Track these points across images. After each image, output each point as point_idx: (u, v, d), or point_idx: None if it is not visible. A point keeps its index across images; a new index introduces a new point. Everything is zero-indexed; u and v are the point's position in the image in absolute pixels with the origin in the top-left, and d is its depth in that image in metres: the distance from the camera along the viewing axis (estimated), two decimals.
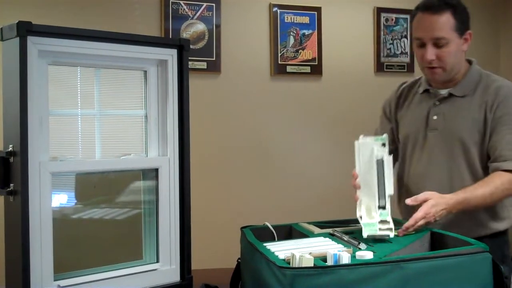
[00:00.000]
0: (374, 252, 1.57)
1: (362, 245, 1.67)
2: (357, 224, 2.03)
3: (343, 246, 1.68)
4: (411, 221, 1.86)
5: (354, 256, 1.54)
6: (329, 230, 1.91)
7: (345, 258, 1.49)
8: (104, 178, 1.95)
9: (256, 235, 1.84)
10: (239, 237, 1.92)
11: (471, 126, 2.13)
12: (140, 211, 1.98)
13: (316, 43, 4.40)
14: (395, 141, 2.39)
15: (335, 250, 1.53)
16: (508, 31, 5.06)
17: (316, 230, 1.95)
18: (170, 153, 1.93)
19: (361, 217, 1.92)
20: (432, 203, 1.91)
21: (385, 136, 2.00)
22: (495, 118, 2.10)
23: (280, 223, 2.06)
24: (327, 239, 1.80)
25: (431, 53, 2.11)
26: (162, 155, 1.95)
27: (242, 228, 1.95)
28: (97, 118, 1.92)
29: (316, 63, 4.40)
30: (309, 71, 4.38)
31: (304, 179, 4.40)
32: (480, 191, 2.02)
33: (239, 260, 1.93)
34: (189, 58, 1.99)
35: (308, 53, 4.37)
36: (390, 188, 1.92)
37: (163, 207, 1.92)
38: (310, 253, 1.52)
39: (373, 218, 1.86)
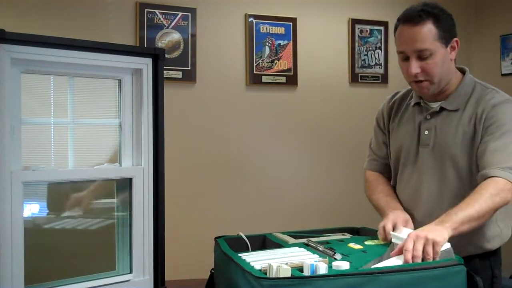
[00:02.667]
0: (350, 262, 1.57)
1: (338, 255, 1.66)
2: (330, 234, 2.04)
3: (318, 256, 1.68)
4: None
5: (331, 267, 1.54)
6: (304, 240, 1.91)
7: (322, 269, 1.49)
8: (77, 187, 1.93)
9: (230, 245, 1.83)
10: (213, 247, 1.91)
11: (461, 141, 1.99)
12: (114, 221, 1.97)
13: (292, 53, 4.41)
14: (388, 155, 2.25)
15: (311, 261, 1.53)
16: (479, 43, 5.13)
17: (290, 240, 1.95)
18: (144, 163, 1.92)
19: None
20: (413, 237, 1.66)
21: None
22: (483, 128, 1.96)
23: (254, 233, 2.05)
24: (302, 249, 1.80)
25: (415, 66, 1.97)
26: (136, 164, 1.94)
27: (216, 238, 1.94)
28: (71, 127, 1.90)
29: (292, 74, 4.41)
30: (285, 81, 4.39)
31: (279, 189, 4.40)
32: (470, 207, 1.79)
33: (212, 271, 1.92)
34: (164, 67, 1.98)
35: (284, 64, 4.39)
36: None
37: (137, 217, 1.90)
38: (287, 263, 1.52)
39: None
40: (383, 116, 2.26)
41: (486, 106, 1.98)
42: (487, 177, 1.86)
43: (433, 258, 1.61)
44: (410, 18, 1.96)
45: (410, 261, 1.59)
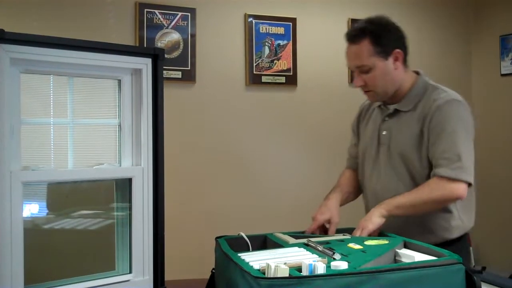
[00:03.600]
0: (348, 262, 1.58)
1: (337, 255, 1.67)
2: (331, 234, 2.04)
3: (317, 256, 1.68)
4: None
5: (329, 266, 1.54)
6: (304, 240, 1.91)
7: (320, 268, 1.49)
8: (77, 188, 1.93)
9: (231, 245, 1.83)
10: (213, 247, 1.91)
11: (409, 140, 2.19)
12: (113, 221, 1.97)
13: (291, 53, 4.42)
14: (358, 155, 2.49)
15: (310, 260, 1.53)
16: (479, 43, 5.13)
17: (291, 240, 1.95)
18: (144, 163, 1.92)
19: None
20: (363, 219, 2.07)
21: None
22: (429, 129, 2.14)
23: (254, 233, 2.05)
24: (302, 249, 1.80)
25: (358, 80, 2.22)
26: (135, 164, 1.94)
27: (216, 238, 1.94)
28: (70, 127, 1.90)
29: (291, 74, 4.42)
30: (284, 81, 4.40)
31: (279, 189, 4.40)
32: (413, 196, 2.11)
33: (213, 271, 1.92)
34: (164, 67, 1.98)
35: (283, 64, 4.39)
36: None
37: (137, 217, 1.90)
38: (285, 263, 1.52)
39: None
40: (355, 121, 2.53)
41: (431, 106, 2.15)
42: (434, 176, 2.10)
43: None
44: (350, 37, 2.21)
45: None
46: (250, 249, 1.95)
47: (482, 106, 4.98)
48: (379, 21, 2.22)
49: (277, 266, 1.47)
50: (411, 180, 2.20)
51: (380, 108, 2.34)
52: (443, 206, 2.17)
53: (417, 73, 2.31)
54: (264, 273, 1.51)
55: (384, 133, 2.28)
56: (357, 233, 2.03)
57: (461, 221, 2.24)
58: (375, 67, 2.17)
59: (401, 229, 2.09)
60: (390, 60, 2.19)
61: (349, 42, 2.21)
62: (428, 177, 2.15)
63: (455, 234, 2.24)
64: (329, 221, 2.18)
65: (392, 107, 2.27)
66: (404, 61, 2.24)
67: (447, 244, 2.15)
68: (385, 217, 2.08)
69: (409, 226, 2.15)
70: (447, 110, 2.13)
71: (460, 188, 2.10)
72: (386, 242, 1.89)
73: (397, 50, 2.20)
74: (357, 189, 2.47)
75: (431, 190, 2.10)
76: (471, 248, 4.88)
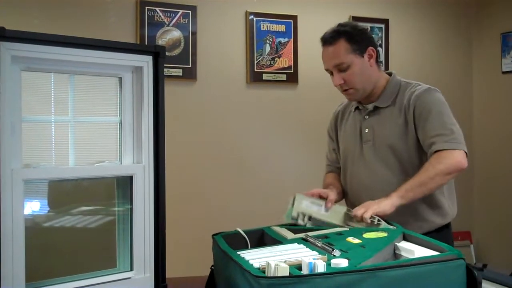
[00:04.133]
0: (348, 260, 1.58)
1: (336, 252, 1.67)
2: (329, 228, 2.05)
3: (317, 253, 1.68)
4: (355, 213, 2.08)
5: (329, 264, 1.54)
6: (302, 235, 1.91)
7: (320, 267, 1.49)
8: (78, 185, 1.93)
9: (228, 242, 1.84)
10: (210, 244, 1.92)
11: (395, 132, 2.30)
12: (114, 219, 1.97)
13: (292, 51, 4.42)
14: (339, 160, 2.58)
15: (310, 258, 1.53)
16: (480, 41, 5.13)
17: (289, 234, 1.95)
18: (145, 160, 1.92)
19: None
20: (369, 201, 2.11)
21: None
22: (415, 116, 2.26)
23: (252, 228, 2.06)
24: (301, 245, 1.80)
25: (337, 78, 2.33)
26: (136, 162, 1.94)
27: (213, 235, 1.95)
28: (71, 125, 1.90)
29: (292, 71, 4.42)
30: (285, 79, 4.40)
31: (279, 186, 4.40)
32: (422, 175, 2.15)
33: (212, 268, 1.92)
34: (165, 65, 1.98)
35: (284, 61, 4.39)
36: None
37: (138, 214, 1.91)
38: (285, 262, 1.52)
39: None
40: (331, 127, 2.64)
41: (411, 97, 2.28)
42: (432, 152, 2.19)
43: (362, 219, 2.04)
44: (325, 40, 2.36)
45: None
46: (249, 245, 1.95)
47: (483, 103, 4.99)
48: (350, 24, 2.42)
49: (277, 264, 1.48)
50: (400, 168, 2.30)
51: (358, 109, 2.44)
52: (450, 179, 2.23)
53: (389, 74, 2.44)
54: (264, 272, 1.51)
55: (366, 130, 2.38)
56: (358, 212, 2.06)
57: (449, 207, 2.36)
58: (352, 64, 2.30)
59: (399, 222, 2.11)
60: (365, 57, 2.33)
61: (325, 44, 2.36)
62: (416, 164, 2.26)
63: (447, 219, 2.35)
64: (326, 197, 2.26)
65: (371, 105, 2.38)
66: (377, 60, 2.39)
67: (438, 230, 2.31)
68: (396, 206, 2.10)
69: (406, 219, 2.19)
70: (427, 97, 2.27)
71: (460, 156, 2.17)
72: (385, 234, 1.89)
73: (371, 47, 2.34)
74: (342, 190, 2.52)
75: (434, 165, 2.15)
76: (472, 246, 4.91)
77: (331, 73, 2.37)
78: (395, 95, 2.36)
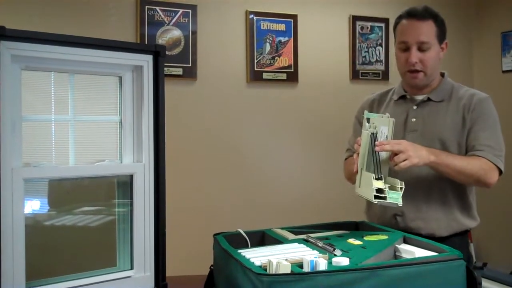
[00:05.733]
0: (349, 258, 1.58)
1: (337, 251, 1.67)
2: (329, 231, 2.05)
3: (318, 252, 1.68)
4: (386, 143, 1.99)
5: (331, 263, 1.54)
6: (303, 236, 1.91)
7: (322, 265, 1.50)
8: (78, 184, 1.93)
9: (230, 242, 1.84)
10: (211, 243, 1.92)
11: (450, 127, 2.28)
12: (114, 218, 1.97)
13: (292, 50, 4.42)
14: None
15: (311, 257, 1.53)
16: (480, 40, 5.13)
17: (290, 236, 1.95)
18: (145, 159, 1.92)
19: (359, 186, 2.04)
20: (409, 142, 2.06)
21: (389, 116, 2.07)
22: (472, 118, 2.27)
23: (253, 229, 2.06)
24: (302, 245, 1.80)
25: (415, 55, 2.27)
26: (137, 161, 1.94)
27: (214, 235, 1.95)
28: (71, 124, 1.90)
29: (292, 70, 4.42)
30: (285, 78, 4.40)
31: (280, 185, 4.40)
32: (459, 157, 2.20)
33: (212, 267, 1.92)
34: (165, 64, 1.98)
35: (284, 60, 4.39)
36: (384, 161, 2.01)
37: (138, 213, 1.91)
38: (286, 260, 1.52)
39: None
40: (363, 113, 2.44)
41: (472, 98, 2.30)
42: (479, 156, 2.21)
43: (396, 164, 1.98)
44: (415, 14, 2.29)
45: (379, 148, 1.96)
46: (249, 245, 1.95)
47: None
48: (435, 10, 2.36)
49: (279, 262, 1.48)
50: None
51: (404, 98, 2.42)
52: (476, 181, 2.23)
53: (441, 74, 2.44)
54: (265, 270, 1.51)
55: (413, 120, 2.34)
56: (398, 159, 1.98)
57: (476, 211, 2.38)
58: (432, 48, 2.29)
59: (431, 217, 2.25)
60: (440, 47, 2.34)
61: (414, 18, 2.29)
62: None
63: (475, 223, 2.36)
64: None
65: (423, 96, 2.37)
66: None
67: (463, 234, 2.33)
68: (427, 164, 2.10)
69: (437, 216, 2.25)
70: (487, 105, 2.31)
71: (495, 175, 2.24)
72: (386, 237, 1.89)
73: (446, 41, 2.38)
74: None
75: (477, 164, 2.18)
76: (472, 245, 4.90)
77: (405, 49, 2.31)
78: (449, 92, 2.36)
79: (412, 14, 2.30)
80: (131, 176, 1.91)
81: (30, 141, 1.75)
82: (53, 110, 1.88)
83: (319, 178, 4.48)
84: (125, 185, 1.94)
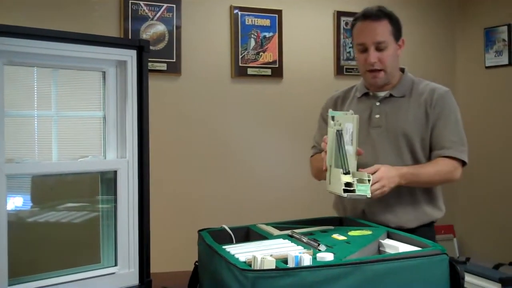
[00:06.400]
0: (334, 254, 1.59)
1: (322, 247, 1.68)
2: (313, 226, 2.05)
3: (303, 247, 1.69)
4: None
5: (315, 258, 1.55)
6: (288, 232, 1.92)
7: (307, 260, 1.50)
8: (61, 180, 1.92)
9: (214, 238, 1.84)
10: (197, 239, 1.92)
11: (413, 122, 2.36)
12: (98, 214, 1.96)
13: (277, 46, 4.42)
14: None
15: (296, 252, 1.54)
16: (463, 36, 5.16)
17: (274, 231, 1.95)
18: (129, 155, 1.91)
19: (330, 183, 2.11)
20: (384, 170, 2.14)
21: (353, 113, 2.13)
22: (434, 114, 2.36)
23: (238, 225, 2.06)
24: (287, 240, 1.80)
25: (374, 55, 2.35)
26: (120, 157, 1.93)
27: (199, 231, 1.95)
28: (54, 120, 1.89)
29: (277, 66, 4.42)
30: (270, 73, 4.40)
31: (265, 181, 4.41)
32: (427, 168, 2.31)
33: (196, 264, 1.92)
34: (149, 59, 1.97)
35: (269, 56, 4.39)
36: (352, 156, 2.07)
37: (122, 209, 1.90)
38: (271, 255, 1.52)
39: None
40: (327, 111, 2.50)
41: (433, 94, 2.39)
42: (444, 156, 2.32)
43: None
44: (370, 15, 2.38)
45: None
46: (234, 241, 1.95)
47: (466, 98, 5.01)
48: (388, 9, 2.43)
49: (263, 258, 1.48)
50: (411, 157, 2.37)
51: (367, 95, 2.49)
52: (443, 183, 2.40)
53: (401, 70, 2.51)
54: (250, 266, 1.51)
55: (377, 116, 2.41)
56: (375, 187, 2.07)
57: (442, 202, 2.47)
58: (389, 46, 2.36)
59: (400, 212, 2.33)
60: (397, 45, 2.41)
61: (369, 19, 2.37)
62: (425, 155, 2.37)
63: (441, 214, 2.44)
64: None
65: (385, 93, 2.44)
66: None
67: (429, 225, 2.41)
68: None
69: (406, 210, 2.35)
70: (448, 100, 2.40)
71: (459, 171, 2.36)
72: (370, 232, 1.91)
73: (402, 38, 2.44)
74: None
75: (441, 166, 2.31)
76: (455, 240, 4.95)
77: (363, 51, 2.38)
78: (410, 87, 2.44)
79: (367, 16, 2.38)
80: (115, 172, 1.90)
81: (12, 137, 1.74)
82: (36, 105, 1.87)
83: (303, 174, 4.47)
84: (109, 181, 1.93)
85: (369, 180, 2.02)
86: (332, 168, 2.09)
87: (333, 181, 2.08)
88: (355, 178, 2.01)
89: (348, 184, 2.00)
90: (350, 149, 2.07)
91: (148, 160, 1.94)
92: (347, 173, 2.02)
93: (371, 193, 2.04)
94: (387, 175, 2.13)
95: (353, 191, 1.99)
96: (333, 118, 2.13)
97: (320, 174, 2.43)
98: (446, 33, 5.13)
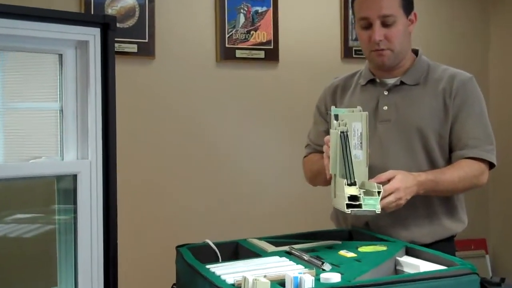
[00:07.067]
0: (341, 274, 1.59)
1: (327, 266, 1.68)
2: (316, 241, 2.06)
3: (303, 267, 1.69)
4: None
5: (319, 279, 1.55)
6: (285, 248, 1.92)
7: (308, 282, 1.50)
8: (9, 186, 1.92)
9: (196, 255, 1.84)
10: (174, 257, 1.92)
11: (429, 115, 2.35)
12: (54, 227, 1.96)
13: (272, 23, 4.41)
14: None
15: (295, 272, 1.54)
16: (497, 5, 5.18)
17: (269, 247, 1.96)
18: (91, 156, 1.92)
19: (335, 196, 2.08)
20: (401, 178, 2.10)
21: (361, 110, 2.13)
22: (455, 105, 2.34)
23: (224, 240, 2.06)
24: (284, 258, 1.81)
25: (379, 32, 2.32)
26: (81, 158, 1.93)
27: (177, 247, 1.95)
28: (1, 113, 1.89)
29: (272, 47, 4.42)
30: (263, 56, 4.40)
31: (257, 186, 4.41)
32: (449, 173, 2.27)
33: (174, 286, 1.93)
34: (116, 39, 1.97)
35: (262, 35, 4.39)
36: (361, 162, 2.07)
37: (83, 221, 1.90)
38: (265, 276, 1.53)
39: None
40: (325, 103, 2.61)
41: (453, 81, 2.36)
42: (467, 157, 2.30)
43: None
44: None
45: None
46: (220, 260, 1.95)
47: (499, 89, 5.02)
48: None
49: (256, 279, 1.48)
50: (425, 156, 2.36)
51: (373, 82, 2.47)
52: (467, 190, 2.36)
53: (415, 52, 2.49)
54: None
55: (385, 108, 2.40)
56: (389, 199, 2.05)
57: (463, 213, 2.46)
58: (398, 21, 2.33)
59: (413, 223, 2.30)
60: (408, 20, 2.38)
61: None
62: (443, 156, 2.36)
63: (462, 227, 2.43)
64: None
65: (394, 80, 2.42)
66: None
67: (449, 240, 2.40)
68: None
69: (420, 221, 2.33)
70: (471, 88, 2.38)
71: (486, 175, 2.34)
72: (384, 248, 1.91)
73: (415, 12, 2.41)
74: None
75: (465, 170, 2.29)
76: (487, 257, 4.97)
77: (366, 27, 2.35)
78: (425, 73, 2.42)
79: None
80: (75, 176, 1.90)
81: None
82: None
83: (302, 177, 4.49)
84: (67, 187, 1.93)
85: (379, 192, 1.98)
86: (337, 177, 2.06)
87: (338, 193, 2.05)
88: (362, 190, 1.98)
89: (353, 198, 1.96)
90: (359, 154, 2.06)
91: (115, 162, 1.94)
92: (352, 184, 1.99)
93: (383, 207, 2.00)
94: (404, 184, 2.10)
95: (359, 206, 1.95)
96: (336, 117, 2.12)
97: (315, 178, 2.48)
98: (480, 16, 5.15)
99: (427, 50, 2.57)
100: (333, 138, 2.07)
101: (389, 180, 2.09)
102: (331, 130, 2.11)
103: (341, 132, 2.04)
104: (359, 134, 2.08)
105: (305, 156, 2.66)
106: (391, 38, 2.33)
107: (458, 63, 2.79)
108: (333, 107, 2.19)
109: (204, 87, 4.28)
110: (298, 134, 4.45)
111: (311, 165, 2.54)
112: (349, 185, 1.98)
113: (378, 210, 1.95)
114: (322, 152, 2.35)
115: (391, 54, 2.36)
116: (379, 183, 2.03)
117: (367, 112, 2.09)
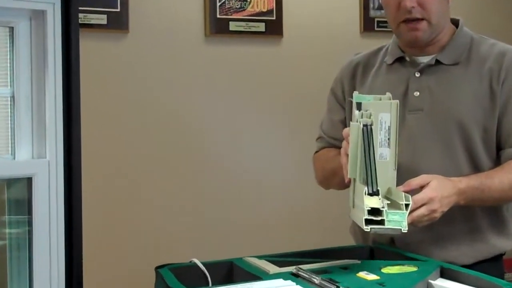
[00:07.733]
0: None
1: None
2: (329, 260, 2.06)
3: None
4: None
5: None
6: (291, 269, 1.92)
7: None
8: None
9: (180, 278, 1.84)
10: (153, 279, 1.92)
11: (471, 103, 2.31)
12: (5, 243, 1.96)
13: None
14: None
15: None
16: None
17: (271, 268, 1.96)
18: (50, 154, 1.92)
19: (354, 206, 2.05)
20: (436, 185, 2.06)
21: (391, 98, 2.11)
22: (504, 91, 2.29)
23: (215, 259, 2.06)
24: (289, 282, 1.81)
25: None
26: (38, 157, 1.93)
27: (157, 267, 1.95)
28: None
29: (274, 18, 4.42)
30: (263, 29, 4.40)
31: (255, 190, 4.41)
32: (497, 178, 2.22)
33: None
34: (80, 8, 1.97)
35: (262, 3, 4.39)
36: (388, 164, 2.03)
37: (40, 235, 1.90)
38: None
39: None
40: (342, 86, 2.57)
41: (503, 59, 2.32)
42: None
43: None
44: None
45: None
46: (210, 283, 1.96)
47: None
48: None
49: None
50: (469, 156, 2.31)
51: (402, 61, 2.44)
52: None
53: (454, 24, 2.45)
54: None
55: (416, 94, 2.36)
56: (421, 212, 2.02)
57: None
58: None
59: (450, 238, 2.26)
60: None
61: None
62: (489, 154, 2.31)
63: (509, 245, 2.38)
64: None
65: (429, 58, 2.38)
66: None
67: (496, 258, 2.36)
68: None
69: (460, 236, 2.29)
70: None
71: None
72: (414, 269, 1.91)
73: None
74: None
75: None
76: None
77: None
78: (467, 50, 2.38)
79: None
80: (29, 180, 1.90)
81: None
82: None
83: (313, 178, 4.49)
84: (20, 193, 1.93)
85: (406, 205, 1.91)
86: (357, 182, 2.02)
87: (357, 203, 2.01)
88: (386, 202, 1.91)
89: (374, 211, 1.88)
90: (385, 153, 2.03)
91: (79, 161, 1.94)
92: (374, 193, 1.92)
93: (413, 221, 1.97)
94: (440, 193, 2.06)
95: (382, 222, 1.87)
96: (359, 105, 2.09)
97: (328, 179, 2.47)
98: None
99: (468, 22, 2.55)
100: (354, 133, 2.01)
101: (421, 188, 2.05)
102: (351, 123, 2.06)
103: (363, 125, 1.98)
104: (387, 128, 2.03)
105: (316, 152, 2.64)
106: (426, 5, 2.28)
107: (509, 37, 2.78)
108: (355, 93, 2.15)
109: (190, 67, 4.27)
110: (306, 125, 4.46)
111: (324, 162, 2.52)
112: (370, 194, 1.91)
113: (405, 229, 1.88)
114: (337, 146, 2.38)
115: (427, 26, 2.31)
116: (409, 191, 1.99)
117: (397, 101, 2.05)
